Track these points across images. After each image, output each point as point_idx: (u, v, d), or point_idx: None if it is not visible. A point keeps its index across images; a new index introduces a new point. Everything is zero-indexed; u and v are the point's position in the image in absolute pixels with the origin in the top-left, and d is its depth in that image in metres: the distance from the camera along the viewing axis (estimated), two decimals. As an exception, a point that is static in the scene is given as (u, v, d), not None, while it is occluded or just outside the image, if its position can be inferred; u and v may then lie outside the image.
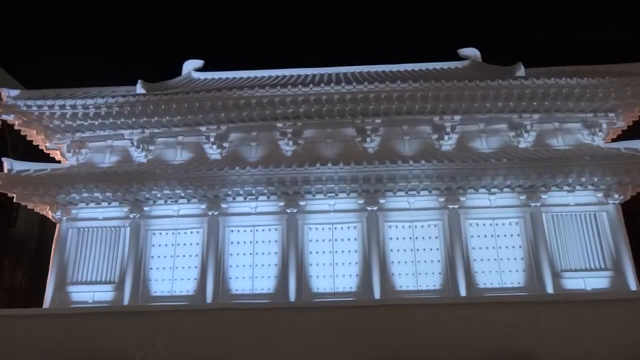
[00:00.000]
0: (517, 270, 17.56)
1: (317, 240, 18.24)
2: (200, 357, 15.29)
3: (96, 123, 19.02)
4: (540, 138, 19.23)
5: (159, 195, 18.13)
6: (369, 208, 18.13)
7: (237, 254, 18.21)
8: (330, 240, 18.22)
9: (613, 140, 19.49)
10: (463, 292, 17.00)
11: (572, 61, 20.44)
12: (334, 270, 17.84)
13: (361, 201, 18.22)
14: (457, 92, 18.03)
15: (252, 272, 17.94)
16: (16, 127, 19.48)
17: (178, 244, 18.48)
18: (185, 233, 18.57)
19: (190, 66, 24.01)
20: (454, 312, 15.57)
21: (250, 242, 18.34)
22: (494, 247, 17.85)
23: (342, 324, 15.51)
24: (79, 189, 17.86)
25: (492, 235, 17.99)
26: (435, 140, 19.32)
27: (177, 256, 18.34)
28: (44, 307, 17.87)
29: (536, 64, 19.85)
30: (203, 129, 19.26)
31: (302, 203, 18.34)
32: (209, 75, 23.78)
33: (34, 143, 20.19)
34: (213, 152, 19.46)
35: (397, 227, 18.23)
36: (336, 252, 18.05)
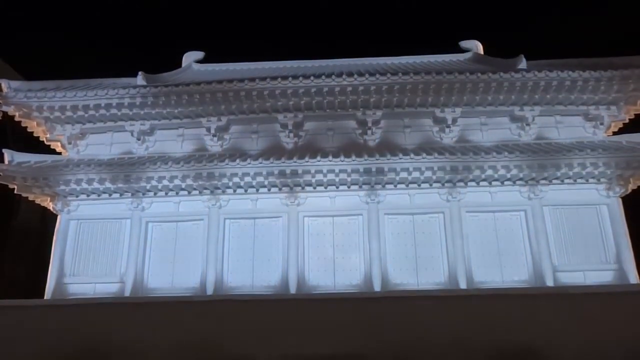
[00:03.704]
0: (517, 264, 17.53)
1: (317, 234, 18.23)
2: (201, 348, 15.36)
3: (96, 115, 19.00)
4: (542, 131, 19.18)
5: (159, 187, 18.14)
6: (369, 201, 18.13)
7: (238, 247, 18.20)
8: (330, 233, 18.21)
9: (615, 134, 19.46)
10: (463, 285, 17.00)
11: (575, 54, 20.38)
12: (334, 264, 17.84)
13: (362, 194, 18.22)
14: (458, 84, 17.98)
15: (252, 265, 17.93)
16: (16, 119, 19.45)
17: (178, 237, 18.47)
18: (185, 225, 18.55)
19: (191, 58, 23.96)
20: (455, 303, 15.61)
21: (251, 235, 18.32)
22: (494, 241, 17.83)
23: (343, 315, 15.56)
24: (78, 180, 17.90)
25: (492, 229, 17.96)
26: (437, 133, 19.28)
27: (178, 249, 18.33)
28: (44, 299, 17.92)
29: (538, 56, 19.80)
30: (204, 120, 19.22)
31: (302, 195, 18.33)
32: (210, 67, 23.76)
33: (35, 135, 20.16)
34: (214, 144, 19.44)
35: (397, 220, 18.21)
36: (336, 245, 18.04)
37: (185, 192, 18.52)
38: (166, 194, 18.55)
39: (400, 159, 17.22)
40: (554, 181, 17.97)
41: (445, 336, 15.04)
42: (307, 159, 17.38)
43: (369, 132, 19.16)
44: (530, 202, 17.97)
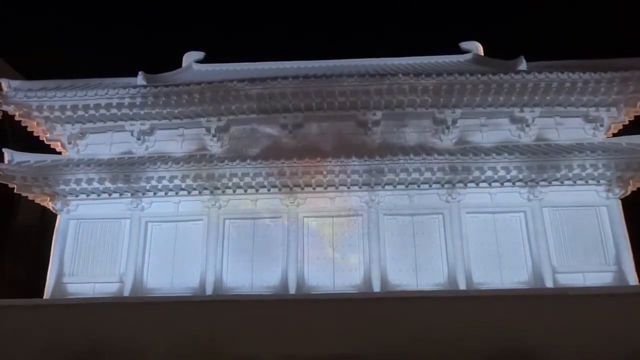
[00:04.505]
0: (517, 265, 17.52)
1: (317, 234, 18.23)
2: (200, 348, 15.35)
3: (96, 114, 19.00)
4: (542, 132, 19.16)
5: (159, 187, 18.14)
6: (369, 201, 18.13)
7: (237, 247, 18.19)
8: (330, 233, 18.21)
9: (614, 135, 19.47)
10: (463, 286, 16.98)
11: (575, 55, 20.40)
12: (333, 264, 17.83)
13: (361, 194, 18.21)
14: (458, 85, 17.98)
15: (252, 266, 17.93)
16: (16, 118, 19.45)
17: (178, 237, 18.46)
18: (185, 225, 18.54)
19: (191, 58, 23.99)
20: (455, 304, 15.60)
21: (251, 236, 18.32)
22: (494, 242, 17.82)
23: (342, 316, 15.55)
24: (78, 180, 17.91)
25: (492, 230, 17.94)
26: (436, 134, 19.27)
27: (177, 249, 18.32)
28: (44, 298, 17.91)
29: (538, 57, 19.81)
30: (203, 121, 19.22)
31: (302, 196, 18.32)
32: (210, 67, 23.78)
33: (35, 134, 20.17)
34: (214, 144, 19.42)
35: (397, 221, 18.20)
36: (336, 246, 18.03)
37: (185, 192, 18.52)
38: (166, 194, 18.55)
39: (400, 159, 17.23)
40: (553, 182, 17.96)
41: (445, 337, 15.03)
42: (306, 159, 17.38)
43: (369, 133, 19.17)
44: (530, 203, 17.96)
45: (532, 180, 17.84)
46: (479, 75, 17.88)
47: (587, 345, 14.74)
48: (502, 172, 17.41)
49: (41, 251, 21.78)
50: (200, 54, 24.09)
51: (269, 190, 18.32)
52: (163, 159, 18.72)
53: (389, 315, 15.44)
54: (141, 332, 15.63)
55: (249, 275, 17.85)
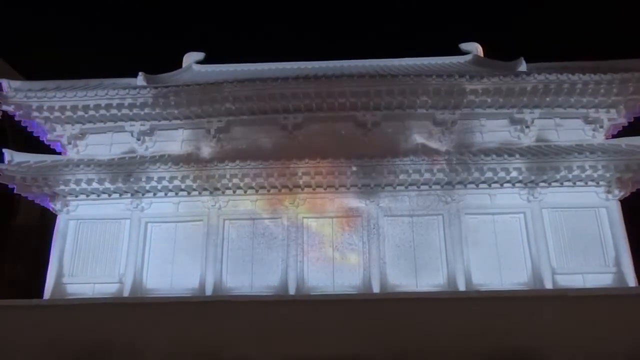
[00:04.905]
0: (516, 267, 17.52)
1: (316, 235, 18.24)
2: (199, 349, 15.37)
3: (96, 115, 19.02)
4: (541, 134, 19.18)
5: (158, 187, 18.15)
6: (368, 202, 18.14)
7: (237, 248, 18.20)
8: (330, 234, 18.23)
9: (614, 136, 19.49)
10: (462, 287, 17.00)
11: (575, 56, 20.40)
12: (333, 265, 17.85)
13: (361, 195, 18.22)
14: (458, 87, 18.00)
15: (252, 266, 17.95)
16: (17, 118, 19.46)
17: (178, 237, 18.47)
18: (185, 226, 18.56)
19: (191, 58, 24.01)
20: (454, 305, 15.62)
21: (250, 236, 18.34)
22: (493, 243, 17.82)
23: (342, 317, 15.56)
24: (78, 180, 17.92)
25: (492, 231, 17.96)
26: (436, 135, 19.28)
27: (177, 249, 18.32)
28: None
29: (538, 58, 19.82)
30: (203, 121, 19.24)
31: (302, 196, 18.33)
32: (210, 67, 23.80)
33: (35, 135, 20.18)
34: (214, 145, 19.44)
35: (396, 221, 18.22)
36: (335, 246, 18.05)
37: (185, 193, 18.52)
38: (165, 194, 18.55)
39: (400, 160, 17.25)
40: (553, 184, 17.97)
41: (444, 338, 15.04)
42: (306, 160, 17.40)
43: (369, 134, 19.18)
44: (530, 204, 17.98)
45: (531, 182, 17.86)
46: (479, 77, 17.91)
47: (586, 346, 14.76)
48: (501, 173, 17.43)
49: (41, 251, 21.77)
50: (200, 55, 24.10)
51: (268, 190, 18.33)
52: (163, 159, 18.73)
53: (388, 316, 15.45)
54: (141, 333, 15.64)
55: (249, 275, 17.86)
